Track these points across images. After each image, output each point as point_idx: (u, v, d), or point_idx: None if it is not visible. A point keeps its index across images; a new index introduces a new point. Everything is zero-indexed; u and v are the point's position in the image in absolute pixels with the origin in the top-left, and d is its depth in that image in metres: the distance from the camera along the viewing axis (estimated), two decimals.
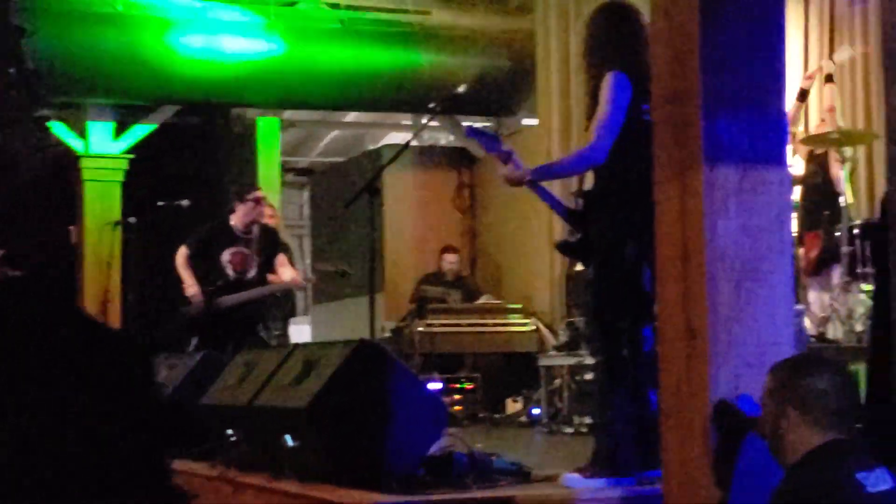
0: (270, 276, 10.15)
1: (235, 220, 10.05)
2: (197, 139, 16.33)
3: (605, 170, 5.91)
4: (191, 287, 9.94)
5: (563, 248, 6.41)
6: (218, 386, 7.19)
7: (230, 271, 9.93)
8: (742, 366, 4.40)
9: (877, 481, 3.60)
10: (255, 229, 10.08)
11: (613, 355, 5.92)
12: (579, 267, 11.05)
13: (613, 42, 6.02)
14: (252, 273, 9.97)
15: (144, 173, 14.63)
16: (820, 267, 9.65)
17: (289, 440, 5.94)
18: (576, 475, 5.80)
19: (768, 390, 3.82)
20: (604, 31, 6.09)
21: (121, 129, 14.64)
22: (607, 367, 5.94)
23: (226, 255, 9.96)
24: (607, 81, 5.86)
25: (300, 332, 17.68)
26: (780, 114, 4.60)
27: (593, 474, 5.78)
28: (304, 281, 10.18)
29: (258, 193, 10.17)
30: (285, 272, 10.17)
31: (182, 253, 10.07)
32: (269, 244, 10.15)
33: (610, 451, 5.82)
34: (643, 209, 5.04)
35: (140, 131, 14.69)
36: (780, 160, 4.56)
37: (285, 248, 10.55)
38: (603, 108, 5.85)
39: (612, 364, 5.91)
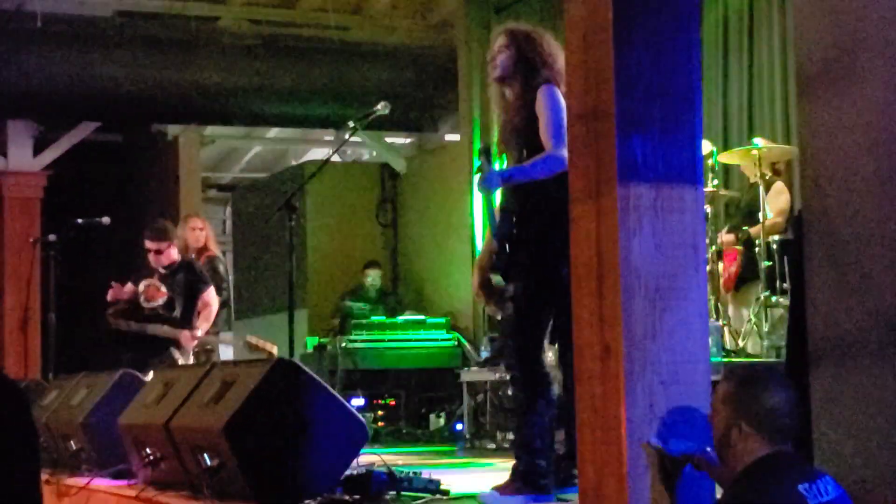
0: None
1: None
2: (118, 156, 16.23)
3: (530, 187, 5.92)
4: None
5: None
6: (136, 405, 7.14)
7: (142, 300, 9.88)
8: (657, 383, 4.42)
9: (818, 493, 3.70)
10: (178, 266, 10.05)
11: (532, 371, 5.92)
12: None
13: (541, 61, 6.07)
14: (157, 303, 9.88)
15: (65, 190, 14.52)
16: (740, 282, 9.71)
17: (207, 459, 5.91)
18: (494, 492, 5.81)
19: (722, 399, 3.90)
20: (531, 49, 6.13)
21: (41, 146, 14.51)
22: (525, 383, 5.93)
23: (141, 286, 9.92)
24: (545, 94, 5.92)
25: (223, 347, 17.60)
26: (694, 132, 4.63)
27: (512, 491, 5.78)
28: (190, 341, 10.05)
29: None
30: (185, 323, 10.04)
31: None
32: (185, 283, 10.04)
33: (529, 469, 5.82)
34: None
35: (60, 148, 14.56)
36: (693, 178, 4.59)
37: (205, 280, 10.31)
38: (549, 116, 5.88)
39: (531, 380, 5.91)
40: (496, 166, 6.18)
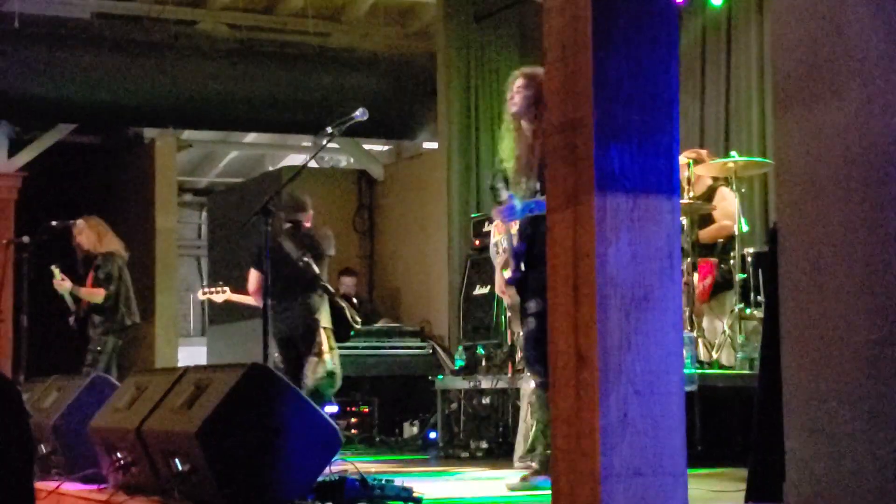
0: None
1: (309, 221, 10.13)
2: (94, 158, 16.16)
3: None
4: None
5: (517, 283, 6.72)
6: (107, 408, 7.10)
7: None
8: (631, 393, 4.42)
9: None
10: None
11: None
12: (479, 291, 11.15)
13: None
14: None
15: (40, 192, 14.46)
16: (714, 294, 9.73)
17: (178, 464, 5.88)
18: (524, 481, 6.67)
19: None
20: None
21: (17, 147, 14.45)
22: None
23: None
24: None
25: (197, 353, 17.57)
26: (672, 142, 4.63)
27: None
28: None
29: None
30: None
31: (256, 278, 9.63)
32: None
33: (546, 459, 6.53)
34: None
35: (35, 149, 14.50)
36: (670, 188, 4.59)
37: None
38: None
39: None
40: (507, 194, 6.70)
